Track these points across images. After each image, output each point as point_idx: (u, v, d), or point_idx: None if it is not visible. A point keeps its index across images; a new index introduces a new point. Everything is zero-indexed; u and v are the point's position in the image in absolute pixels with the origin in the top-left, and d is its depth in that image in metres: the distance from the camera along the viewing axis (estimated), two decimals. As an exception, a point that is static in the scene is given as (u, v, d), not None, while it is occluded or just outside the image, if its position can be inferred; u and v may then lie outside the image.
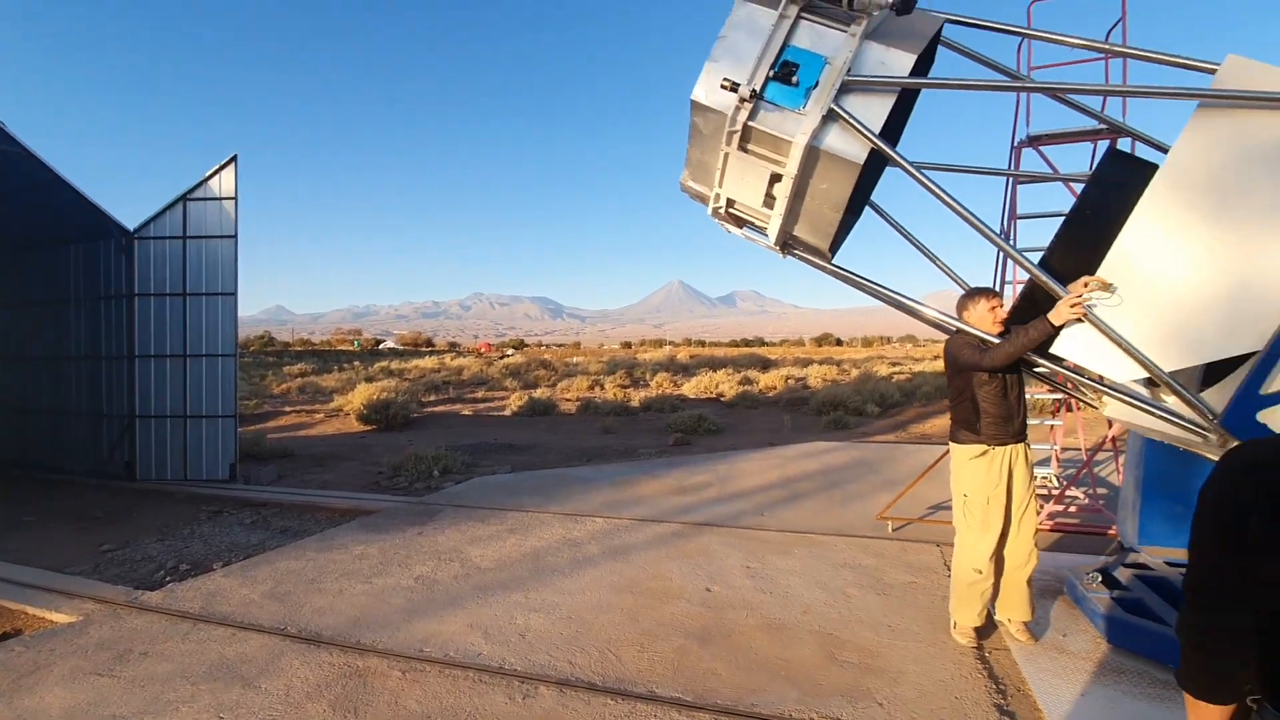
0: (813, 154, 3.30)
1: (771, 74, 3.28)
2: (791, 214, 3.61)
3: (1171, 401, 3.06)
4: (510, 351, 62.03)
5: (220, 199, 7.56)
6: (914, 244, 4.45)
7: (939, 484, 6.86)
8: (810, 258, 3.86)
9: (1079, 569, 3.80)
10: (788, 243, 3.81)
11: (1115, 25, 4.99)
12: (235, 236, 7.57)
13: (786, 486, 7.01)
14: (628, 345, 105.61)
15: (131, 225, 7.60)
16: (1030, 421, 6.16)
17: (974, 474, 3.33)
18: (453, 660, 3.26)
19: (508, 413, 16.25)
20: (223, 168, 7.56)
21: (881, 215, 4.49)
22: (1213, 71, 2.77)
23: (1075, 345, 2.91)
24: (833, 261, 3.94)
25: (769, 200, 3.57)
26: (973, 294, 3.44)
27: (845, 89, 3.22)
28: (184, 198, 7.58)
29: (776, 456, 8.82)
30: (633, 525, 5.56)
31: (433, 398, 22.50)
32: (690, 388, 21.79)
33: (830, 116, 3.19)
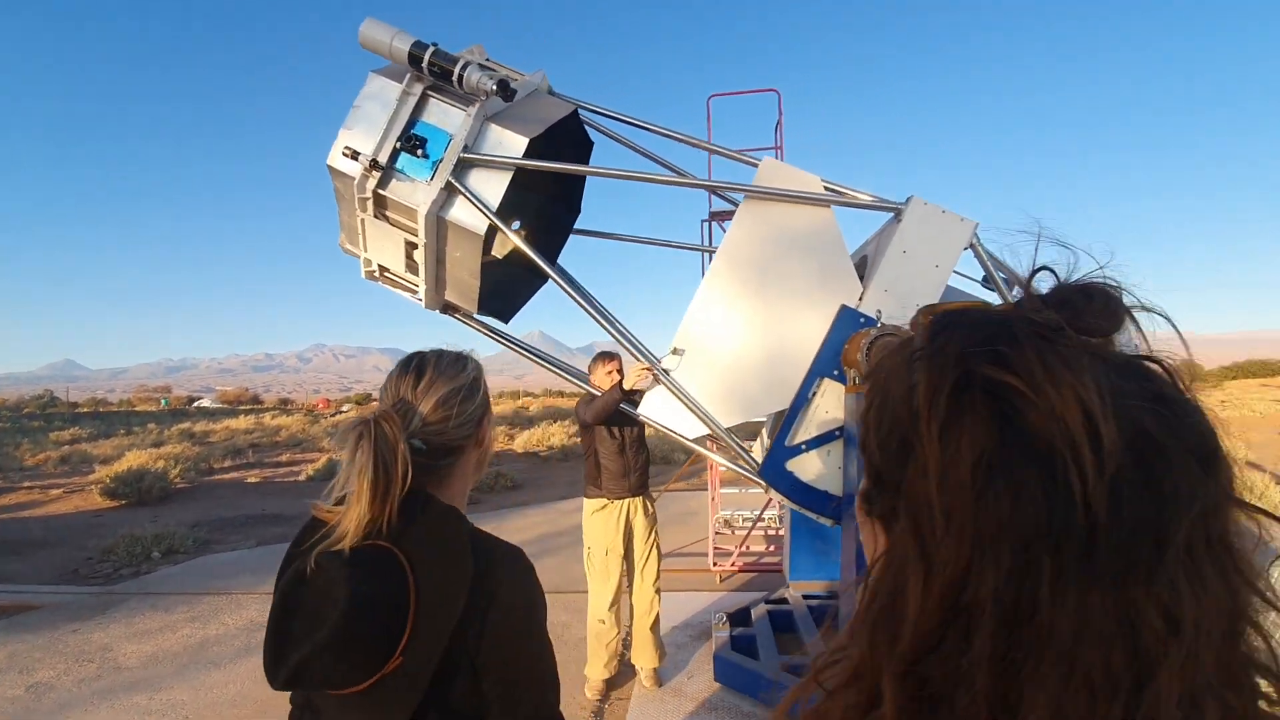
0: (442, 224, 3.42)
1: (399, 145, 3.37)
2: (438, 280, 3.70)
3: (756, 453, 3.42)
4: (346, 408, 57.72)
5: None
6: (581, 305, 4.73)
7: (672, 533, 7.20)
8: (468, 323, 3.96)
9: (722, 611, 4.08)
10: (449, 306, 3.89)
11: (778, 123, 5.75)
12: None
13: (532, 545, 6.98)
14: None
15: None
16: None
17: (594, 526, 3.51)
18: (-1, 789, 2.79)
19: (303, 478, 14.94)
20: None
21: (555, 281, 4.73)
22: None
23: (654, 406, 3.19)
24: (498, 328, 4.08)
25: (412, 265, 3.63)
26: (597, 358, 3.69)
27: (469, 165, 3.39)
28: None
29: (552, 512, 8.82)
30: (344, 599, 5.22)
31: (227, 463, 20.18)
32: (522, 441, 21.41)
33: (454, 189, 3.33)
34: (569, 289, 3.28)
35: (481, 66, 3.40)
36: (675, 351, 3.14)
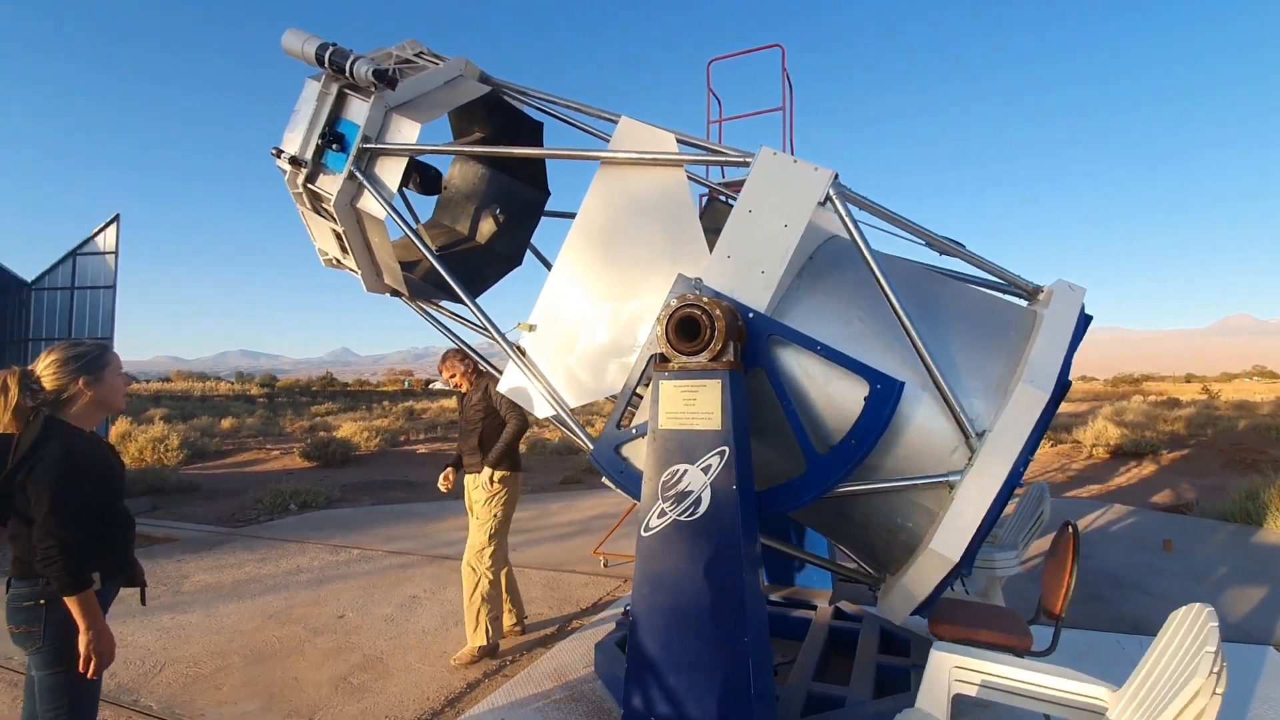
0: (358, 213, 3.68)
1: (320, 142, 3.68)
2: (371, 266, 3.97)
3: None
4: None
5: (104, 253, 8.46)
6: (437, 269, 4.71)
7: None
8: (411, 305, 4.18)
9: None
10: (397, 291, 4.15)
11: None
12: (114, 287, 8.45)
13: (580, 525, 7.13)
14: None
15: (28, 277, 8.59)
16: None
17: None
18: None
19: (460, 451, 16.75)
20: (107, 225, 8.47)
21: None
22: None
23: (512, 382, 3.11)
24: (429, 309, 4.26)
25: (346, 252, 3.94)
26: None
27: (375, 155, 3.60)
28: (74, 253, 8.52)
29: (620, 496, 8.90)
30: (380, 556, 5.84)
31: (421, 436, 23.19)
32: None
33: (356, 179, 3.57)
34: (431, 256, 3.33)
35: (373, 60, 3.57)
36: (521, 326, 3.05)
